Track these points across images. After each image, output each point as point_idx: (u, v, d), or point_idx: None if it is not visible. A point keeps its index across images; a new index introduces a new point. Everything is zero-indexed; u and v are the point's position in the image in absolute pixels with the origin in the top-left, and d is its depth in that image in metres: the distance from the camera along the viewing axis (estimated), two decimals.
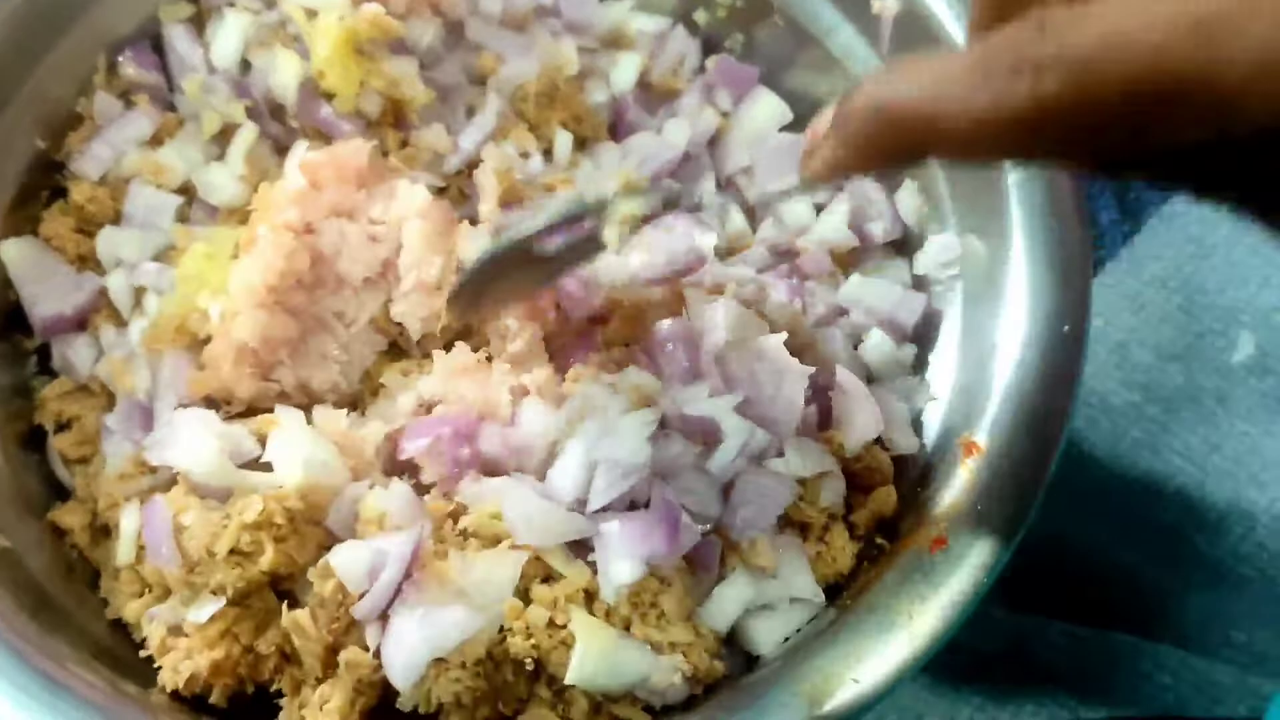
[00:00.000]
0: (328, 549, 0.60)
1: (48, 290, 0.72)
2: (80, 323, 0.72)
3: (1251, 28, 0.31)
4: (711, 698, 0.58)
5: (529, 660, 0.55)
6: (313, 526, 0.61)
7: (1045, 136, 0.37)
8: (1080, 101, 0.34)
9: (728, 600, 0.61)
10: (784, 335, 0.64)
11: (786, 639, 0.61)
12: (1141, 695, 0.76)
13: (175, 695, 0.59)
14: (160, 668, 0.59)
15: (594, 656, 0.55)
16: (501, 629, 0.56)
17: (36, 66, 0.73)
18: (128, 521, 0.64)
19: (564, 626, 0.56)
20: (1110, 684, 0.76)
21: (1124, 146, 0.36)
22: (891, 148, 0.42)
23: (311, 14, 0.75)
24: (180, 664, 0.57)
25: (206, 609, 0.57)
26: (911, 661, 0.56)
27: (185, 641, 0.58)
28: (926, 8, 0.73)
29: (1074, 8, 0.35)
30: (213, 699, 0.59)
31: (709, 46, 0.87)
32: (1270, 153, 0.35)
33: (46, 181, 0.75)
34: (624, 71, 0.84)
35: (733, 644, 0.62)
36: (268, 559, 0.57)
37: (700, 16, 0.86)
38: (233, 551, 0.57)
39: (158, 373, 0.68)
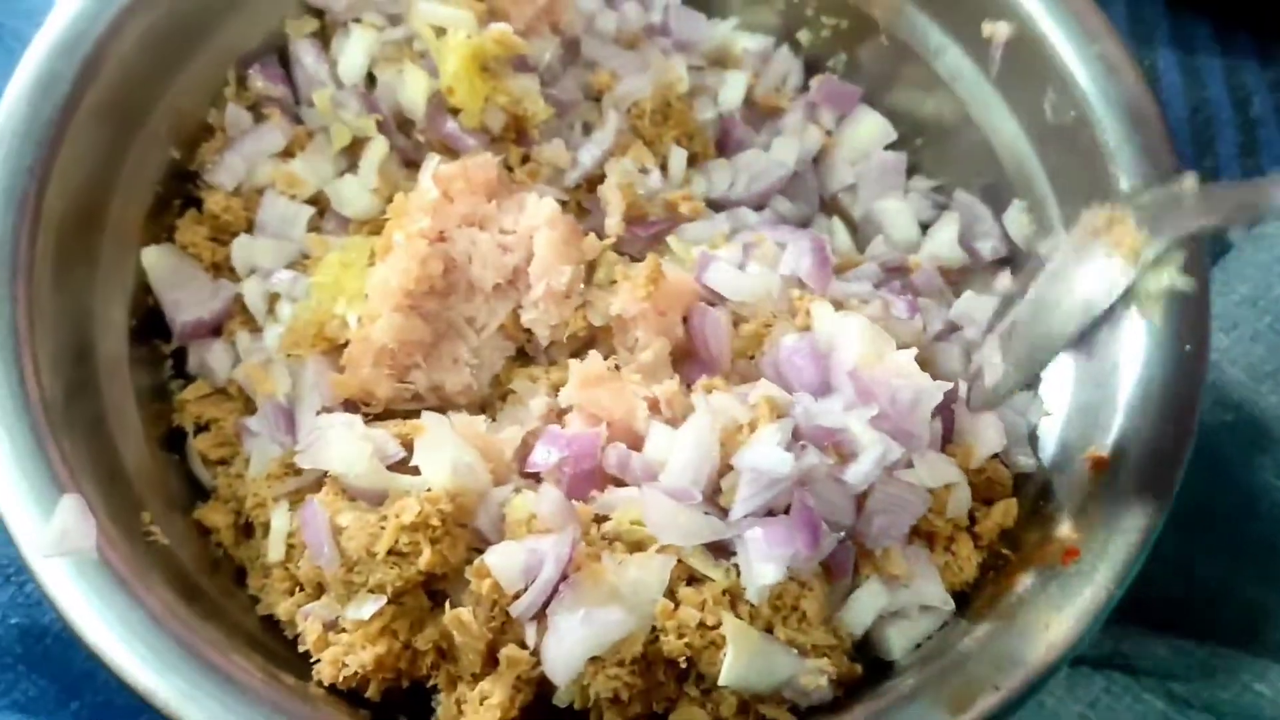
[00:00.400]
0: (476, 550, 0.62)
1: (187, 297, 0.74)
2: (216, 329, 0.75)
3: None
4: (855, 702, 0.59)
5: (682, 659, 0.57)
6: (461, 528, 0.62)
7: None
8: None
9: (863, 606, 0.63)
10: (914, 350, 0.66)
11: (918, 645, 0.63)
12: (1242, 705, 0.77)
13: (331, 688, 0.61)
14: (317, 661, 0.61)
15: (745, 658, 0.57)
16: (654, 629, 0.58)
17: (171, 81, 0.76)
18: (278, 521, 0.66)
19: (714, 627, 0.57)
20: (1209, 692, 0.77)
21: None
22: None
23: (440, 31, 0.78)
24: (342, 658, 0.59)
25: (368, 607, 0.59)
26: (1048, 669, 0.58)
27: (345, 637, 0.60)
28: (1039, 33, 0.74)
29: None
30: (368, 693, 0.61)
31: (812, 67, 0.88)
32: None
33: (180, 191, 0.77)
34: (732, 90, 0.86)
35: (863, 649, 0.64)
36: (425, 559, 0.59)
37: (804, 36, 0.88)
38: (391, 552, 0.59)
39: (299, 377, 0.70)
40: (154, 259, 0.74)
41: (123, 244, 0.72)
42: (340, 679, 0.60)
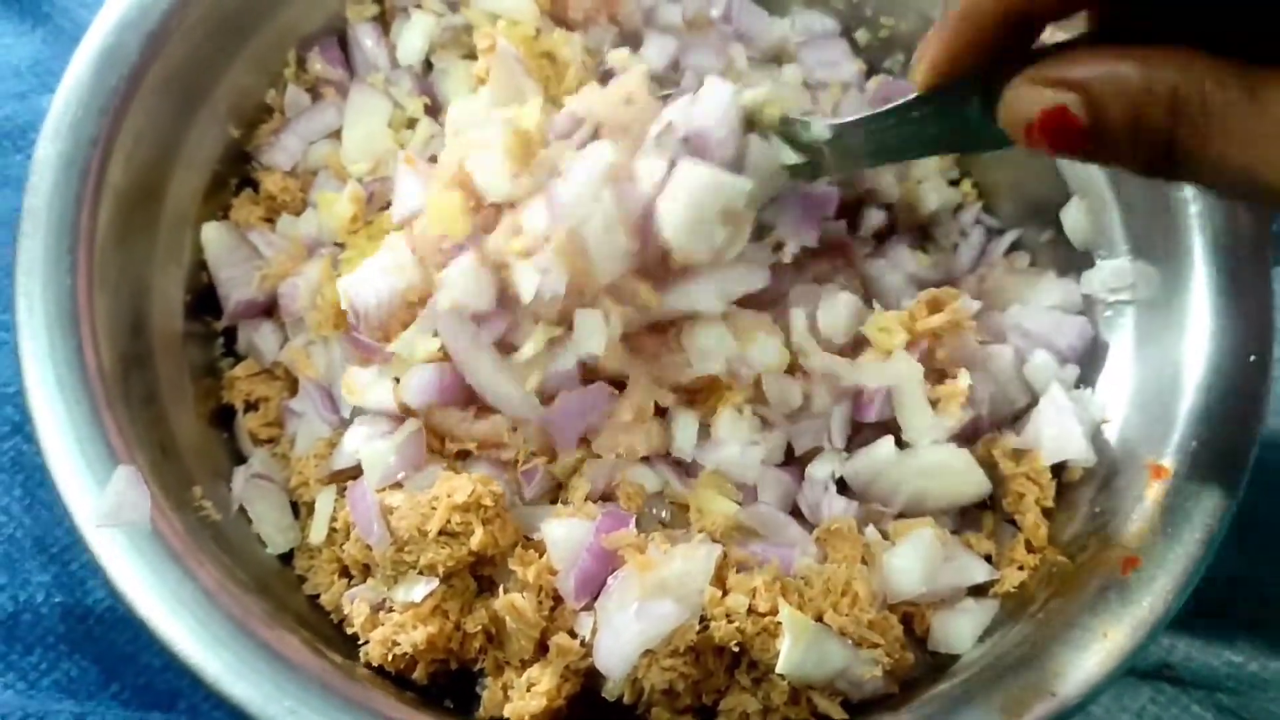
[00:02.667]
0: (524, 535, 0.62)
1: (241, 276, 0.74)
2: (268, 309, 0.75)
3: None
4: (909, 701, 0.59)
5: (734, 645, 0.56)
6: (508, 511, 0.62)
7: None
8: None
9: (905, 568, 0.62)
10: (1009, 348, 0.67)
11: (980, 639, 0.62)
12: None
13: (379, 670, 0.61)
14: (365, 643, 0.61)
15: (801, 647, 0.56)
16: (703, 618, 0.57)
17: (233, 60, 0.76)
18: (323, 502, 0.66)
19: (765, 614, 0.57)
20: (1258, 705, 0.76)
21: None
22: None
23: (493, 19, 0.78)
24: (392, 638, 0.59)
25: (419, 588, 0.59)
26: (1107, 678, 0.57)
27: (395, 617, 0.59)
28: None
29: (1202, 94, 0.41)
30: (415, 675, 0.60)
31: (870, 69, 0.88)
32: None
33: (237, 170, 0.78)
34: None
35: (923, 648, 0.63)
36: (477, 539, 0.59)
37: (861, 36, 0.88)
38: (442, 532, 0.59)
39: (331, 355, 0.70)
40: (212, 235, 0.74)
41: (180, 220, 0.73)
42: (390, 659, 0.60)
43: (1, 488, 0.74)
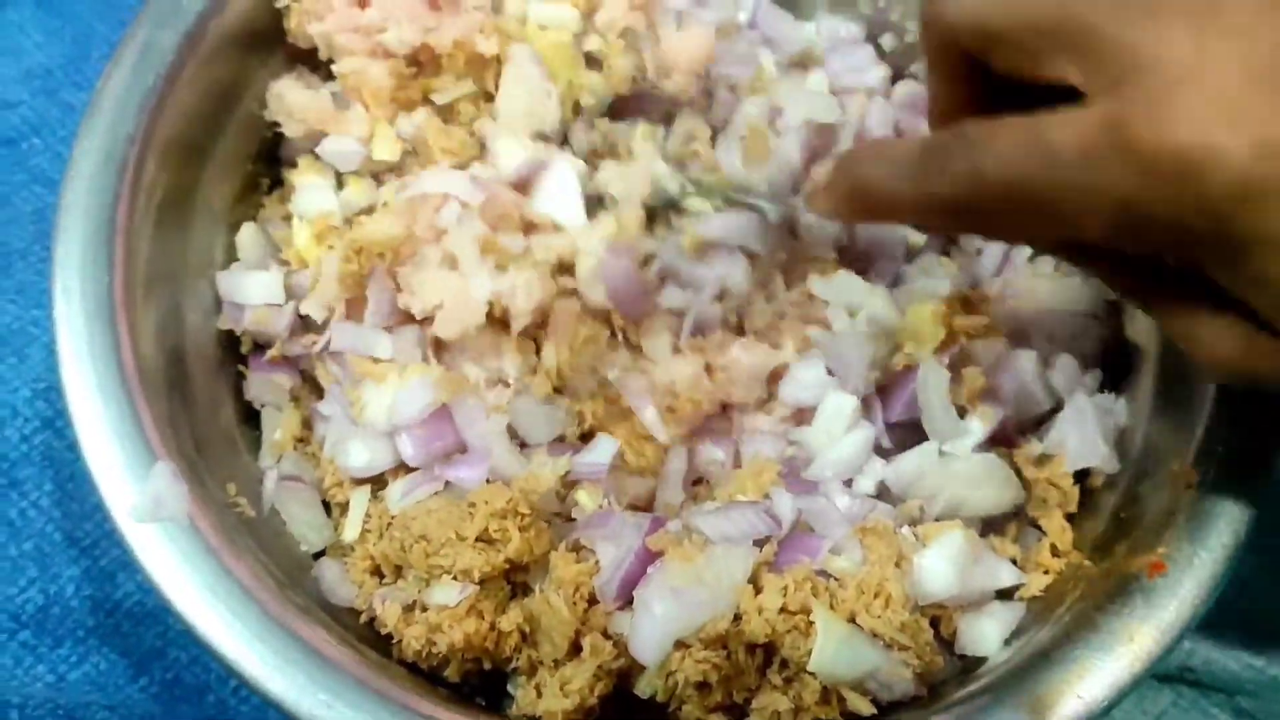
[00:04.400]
0: (559, 543, 0.63)
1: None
2: None
3: (1077, 172, 0.42)
4: (935, 704, 0.59)
5: (765, 638, 0.57)
6: (545, 523, 0.63)
7: (961, 224, 0.56)
8: (979, 208, 0.47)
9: (934, 571, 0.63)
10: (1033, 352, 0.68)
11: (1007, 642, 0.63)
12: None
13: (412, 666, 0.61)
14: (398, 641, 0.62)
15: (833, 646, 0.57)
16: (736, 615, 0.58)
17: (268, 60, 0.76)
18: (357, 501, 0.67)
19: (797, 612, 0.58)
20: (1279, 708, 0.77)
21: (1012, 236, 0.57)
22: (867, 212, 0.54)
23: (522, 23, 0.78)
24: (428, 636, 0.60)
25: (454, 591, 0.60)
26: (1133, 682, 0.58)
27: (429, 617, 0.60)
28: None
29: (981, 124, 0.46)
30: (448, 672, 0.61)
31: (896, 74, 0.88)
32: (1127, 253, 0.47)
33: (269, 172, 0.78)
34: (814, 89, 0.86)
35: (950, 651, 0.64)
36: (513, 546, 0.60)
37: (887, 41, 0.88)
38: (479, 538, 0.60)
39: None
40: (247, 237, 0.75)
41: (214, 219, 0.74)
42: (424, 656, 0.60)
43: (32, 483, 0.75)
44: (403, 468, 0.67)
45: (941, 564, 0.62)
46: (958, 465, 0.66)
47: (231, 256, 0.75)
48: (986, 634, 0.63)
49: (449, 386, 0.65)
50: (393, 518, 0.64)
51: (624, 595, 0.59)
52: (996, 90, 0.50)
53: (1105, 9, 0.43)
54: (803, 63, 0.87)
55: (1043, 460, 0.69)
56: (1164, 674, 0.77)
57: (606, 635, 0.59)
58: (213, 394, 0.70)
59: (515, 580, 0.63)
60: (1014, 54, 0.46)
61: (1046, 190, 0.43)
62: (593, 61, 0.77)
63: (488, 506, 0.60)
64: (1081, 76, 0.44)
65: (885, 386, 0.69)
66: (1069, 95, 0.45)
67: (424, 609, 0.61)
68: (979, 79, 0.50)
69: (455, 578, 0.60)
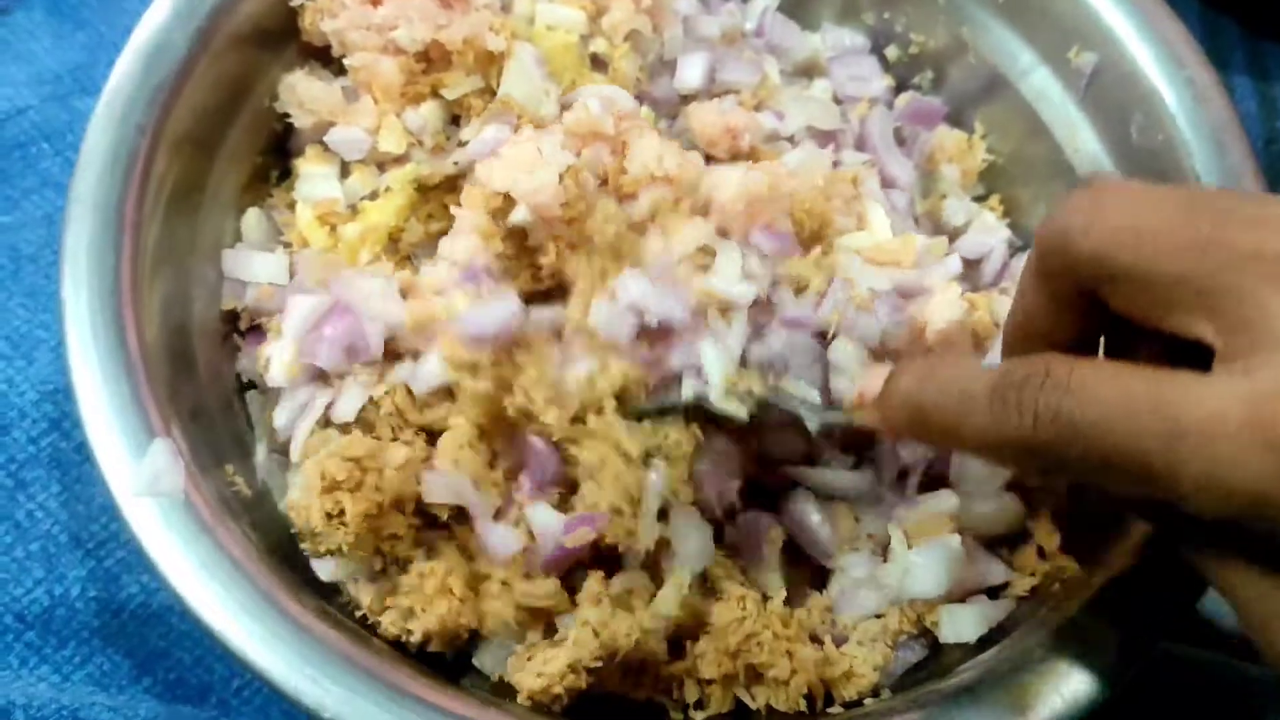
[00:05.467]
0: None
1: None
2: None
3: (1203, 451, 0.38)
4: (917, 699, 0.60)
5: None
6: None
7: (1035, 465, 0.49)
8: (1061, 455, 0.42)
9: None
10: None
11: (990, 642, 0.64)
12: None
13: (396, 644, 0.63)
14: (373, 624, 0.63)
15: None
16: None
17: (279, 54, 0.78)
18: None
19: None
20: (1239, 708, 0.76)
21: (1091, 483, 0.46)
22: (920, 436, 0.53)
23: (529, 22, 0.80)
24: (403, 623, 0.62)
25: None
26: (1119, 679, 0.58)
27: (400, 600, 0.63)
28: (1130, 61, 0.75)
29: (1074, 365, 0.42)
30: (431, 648, 0.63)
31: (899, 85, 0.89)
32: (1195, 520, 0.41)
33: (278, 163, 0.80)
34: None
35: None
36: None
37: (891, 52, 0.89)
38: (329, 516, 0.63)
39: None
40: (252, 220, 0.76)
41: (221, 206, 0.75)
42: (405, 640, 0.62)
43: (39, 484, 0.75)
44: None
45: (932, 565, 0.63)
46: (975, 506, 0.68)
47: (238, 240, 0.76)
48: (968, 622, 0.64)
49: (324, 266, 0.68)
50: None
51: None
52: (1086, 315, 0.47)
53: (1254, 272, 0.39)
54: (807, 71, 0.89)
55: None
56: (1147, 671, 0.77)
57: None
58: (215, 375, 0.71)
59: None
60: (1141, 299, 0.43)
61: (1159, 464, 0.39)
62: (598, 63, 0.78)
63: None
64: (1218, 339, 0.40)
65: None
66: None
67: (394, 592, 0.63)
68: (1083, 308, 0.46)
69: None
